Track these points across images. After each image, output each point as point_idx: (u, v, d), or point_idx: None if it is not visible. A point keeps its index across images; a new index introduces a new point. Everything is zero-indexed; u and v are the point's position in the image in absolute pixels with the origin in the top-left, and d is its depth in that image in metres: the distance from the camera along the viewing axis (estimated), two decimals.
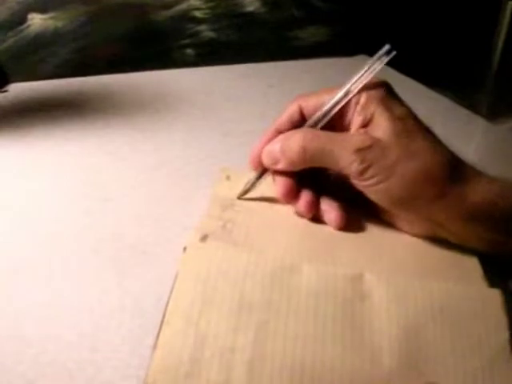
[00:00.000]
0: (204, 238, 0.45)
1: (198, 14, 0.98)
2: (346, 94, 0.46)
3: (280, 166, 0.48)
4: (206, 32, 0.99)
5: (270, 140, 0.49)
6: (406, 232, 0.48)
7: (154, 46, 0.97)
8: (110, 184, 0.58)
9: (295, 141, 0.46)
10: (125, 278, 0.45)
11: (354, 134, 0.46)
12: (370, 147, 0.43)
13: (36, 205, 0.54)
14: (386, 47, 0.47)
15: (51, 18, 0.89)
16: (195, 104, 0.81)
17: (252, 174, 0.52)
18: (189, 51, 0.99)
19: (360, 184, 0.45)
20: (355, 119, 0.46)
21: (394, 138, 0.43)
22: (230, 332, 0.37)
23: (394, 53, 0.46)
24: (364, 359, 0.36)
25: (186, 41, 0.98)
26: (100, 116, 0.75)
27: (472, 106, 0.82)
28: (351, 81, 0.47)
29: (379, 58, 0.47)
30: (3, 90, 0.80)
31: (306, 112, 0.48)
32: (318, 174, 0.49)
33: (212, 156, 0.65)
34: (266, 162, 0.49)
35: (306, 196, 0.48)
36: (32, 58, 0.90)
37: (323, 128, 0.48)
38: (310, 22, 1.05)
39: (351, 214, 0.49)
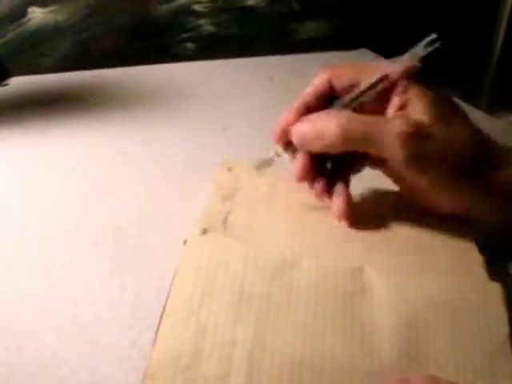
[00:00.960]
0: (204, 231, 0.45)
1: (198, 7, 0.97)
2: (384, 77, 0.45)
3: (314, 148, 0.45)
4: (207, 26, 0.99)
5: (297, 115, 0.47)
6: (435, 210, 0.47)
7: (155, 40, 0.97)
8: (110, 177, 0.59)
9: (335, 123, 0.43)
10: (125, 270, 0.45)
11: (396, 117, 0.44)
12: (415, 132, 0.42)
13: (36, 198, 0.55)
14: (432, 36, 0.45)
15: (51, 11, 0.89)
16: (195, 97, 0.81)
17: (252, 167, 0.51)
18: (189, 45, 0.99)
19: (405, 170, 0.43)
20: (393, 101, 0.45)
21: (434, 121, 0.43)
22: (230, 325, 0.37)
23: (439, 43, 0.45)
24: (364, 352, 0.36)
25: (187, 34, 0.98)
26: (100, 109, 0.75)
27: (472, 99, 0.82)
28: (391, 64, 0.45)
29: (424, 46, 0.45)
30: (3, 83, 0.80)
31: (337, 87, 0.47)
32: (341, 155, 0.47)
33: (212, 149, 0.65)
34: (297, 141, 0.46)
35: (321, 181, 0.47)
36: (32, 52, 0.90)
37: (354, 110, 0.46)
38: (311, 15, 1.05)
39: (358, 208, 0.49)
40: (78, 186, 0.57)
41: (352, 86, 0.46)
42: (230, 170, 0.55)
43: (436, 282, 0.41)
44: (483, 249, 0.46)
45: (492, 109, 0.81)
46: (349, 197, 0.48)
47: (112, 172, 0.60)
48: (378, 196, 0.50)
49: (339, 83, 0.47)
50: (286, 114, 0.48)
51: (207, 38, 1.00)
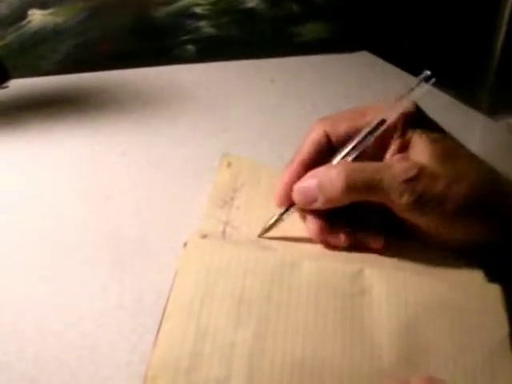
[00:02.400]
0: (205, 233, 0.45)
1: (198, 9, 0.97)
2: (381, 122, 0.44)
3: (317, 205, 0.44)
4: (207, 28, 0.99)
5: (297, 174, 0.45)
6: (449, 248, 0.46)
7: (155, 42, 0.97)
8: (110, 181, 0.58)
9: (337, 176, 0.42)
10: (125, 275, 0.45)
11: (397, 162, 0.43)
12: (418, 176, 0.41)
13: (36, 201, 0.54)
14: (425, 73, 0.45)
15: (51, 13, 0.89)
16: (196, 100, 0.81)
17: (251, 163, 0.51)
18: (189, 47, 0.99)
19: (409, 214, 0.42)
20: (392, 145, 0.44)
21: (437, 161, 0.42)
22: (231, 327, 0.37)
23: (433, 80, 0.44)
24: (364, 354, 0.36)
25: (187, 37, 0.98)
26: (100, 112, 0.75)
27: (472, 102, 0.82)
28: (386, 106, 0.44)
29: (417, 85, 0.45)
30: (3, 85, 0.80)
31: (334, 139, 0.45)
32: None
33: (213, 152, 0.65)
34: (300, 200, 0.45)
35: (343, 234, 0.45)
36: (32, 54, 0.90)
37: (355, 158, 0.45)
38: (311, 17, 1.05)
39: None
40: (77, 190, 0.57)
41: (349, 136, 0.45)
42: (229, 165, 0.55)
43: (435, 283, 0.41)
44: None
45: (493, 111, 0.81)
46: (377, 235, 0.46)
47: (112, 175, 0.60)
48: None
49: (336, 135, 0.45)
50: (286, 175, 0.46)
51: (207, 40, 1.00)
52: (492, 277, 0.43)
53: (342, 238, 0.45)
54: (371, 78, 0.91)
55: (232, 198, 0.51)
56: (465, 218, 0.42)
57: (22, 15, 0.88)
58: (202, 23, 0.98)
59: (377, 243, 0.45)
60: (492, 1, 0.95)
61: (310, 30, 1.05)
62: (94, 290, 0.43)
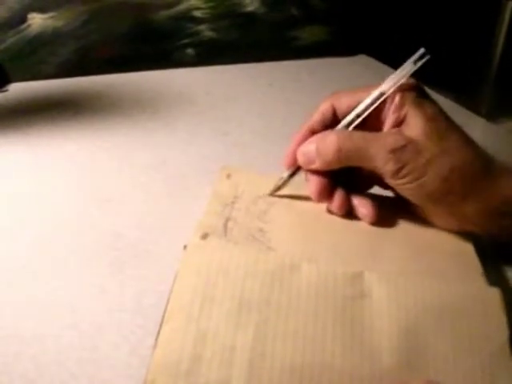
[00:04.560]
0: (205, 236, 0.45)
1: (198, 13, 0.98)
2: (380, 95, 0.47)
3: (315, 166, 0.48)
4: (206, 32, 0.99)
5: (303, 139, 0.49)
6: (436, 225, 0.49)
7: (154, 46, 0.97)
8: (110, 184, 0.59)
9: (330, 141, 0.47)
10: (125, 277, 0.45)
11: (388, 134, 0.46)
12: (404, 147, 0.44)
13: (36, 204, 0.54)
14: (421, 51, 0.47)
15: (51, 17, 0.89)
16: (195, 103, 0.81)
17: (251, 174, 0.52)
18: (189, 51, 0.99)
19: (394, 182, 0.46)
20: (388, 119, 0.47)
21: (427, 137, 0.44)
22: (230, 330, 0.37)
23: (427, 57, 0.47)
24: (363, 357, 0.36)
25: (186, 40, 0.98)
26: (100, 116, 0.75)
27: (472, 106, 0.82)
28: (385, 82, 0.47)
29: (414, 62, 0.47)
30: (3, 89, 0.80)
31: (339, 111, 0.49)
32: (350, 171, 0.49)
33: (212, 155, 0.65)
34: (302, 161, 0.49)
35: (339, 195, 0.49)
36: (32, 58, 0.90)
37: (356, 127, 0.48)
38: (310, 21, 1.05)
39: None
40: (78, 192, 0.57)
41: (352, 109, 0.48)
42: (228, 176, 0.55)
43: (436, 287, 0.41)
44: (481, 254, 0.46)
45: (492, 115, 0.81)
46: (372, 205, 0.49)
47: (112, 179, 0.60)
48: (377, 202, 0.50)
49: (340, 107, 0.49)
50: (293, 141, 0.50)
51: (207, 43, 1.00)
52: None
53: (336, 202, 0.49)
54: (370, 81, 0.91)
55: (233, 202, 0.51)
56: (445, 195, 0.45)
57: (22, 19, 0.88)
58: (202, 27, 0.98)
59: (368, 212, 0.49)
60: (492, 5, 0.95)
61: (309, 34, 1.06)
62: (93, 291, 0.43)
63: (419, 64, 0.47)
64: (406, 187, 0.45)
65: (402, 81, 0.47)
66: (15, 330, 0.40)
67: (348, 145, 0.46)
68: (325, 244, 0.46)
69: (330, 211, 0.50)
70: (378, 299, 0.40)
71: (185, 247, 0.43)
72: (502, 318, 0.39)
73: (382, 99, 0.47)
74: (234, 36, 1.01)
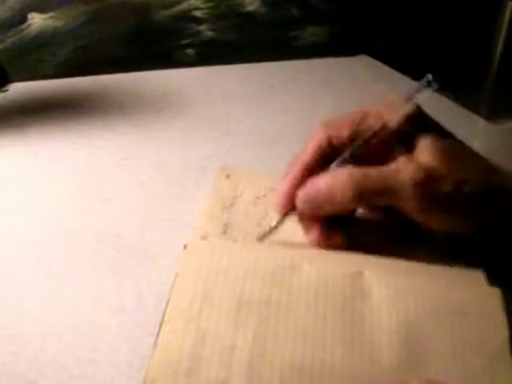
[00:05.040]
0: (205, 235, 0.45)
1: (198, 13, 0.98)
2: (383, 127, 0.44)
3: (323, 212, 0.44)
4: (206, 32, 0.99)
5: (299, 180, 0.45)
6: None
7: (154, 46, 0.97)
8: (110, 184, 0.59)
9: (346, 183, 0.42)
10: (125, 277, 0.45)
11: (404, 165, 0.43)
12: (425, 179, 0.41)
13: (35, 204, 0.54)
14: (428, 77, 0.45)
15: (51, 17, 0.89)
16: (195, 104, 0.81)
17: (251, 174, 0.51)
18: (189, 51, 0.99)
19: (420, 216, 0.43)
20: (396, 148, 0.44)
21: (442, 162, 0.42)
22: (230, 330, 0.37)
23: (435, 85, 0.45)
24: (364, 357, 0.36)
25: (186, 40, 0.98)
26: (100, 116, 0.75)
27: (472, 106, 0.82)
28: (388, 111, 0.45)
29: (419, 89, 0.45)
30: (3, 89, 0.80)
31: (337, 143, 0.45)
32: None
33: (212, 155, 0.65)
34: (304, 208, 0.44)
35: (335, 237, 0.45)
36: (32, 58, 0.90)
37: (357, 160, 0.44)
38: (310, 21, 1.05)
39: None
40: (77, 192, 0.57)
41: (352, 140, 0.45)
42: (228, 177, 0.55)
43: (435, 286, 0.41)
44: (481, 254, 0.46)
45: (492, 115, 0.81)
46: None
47: (112, 178, 0.60)
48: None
49: (338, 139, 0.45)
50: (288, 181, 0.45)
51: (207, 44, 1.00)
52: (493, 276, 0.43)
53: (339, 242, 0.45)
54: (371, 81, 0.91)
55: (232, 204, 0.51)
56: (468, 214, 0.43)
57: (22, 19, 0.88)
58: (202, 27, 0.98)
59: (374, 242, 0.46)
60: (492, 5, 0.95)
61: (310, 34, 1.06)
62: (93, 291, 0.43)
63: (427, 91, 0.45)
64: (432, 219, 0.43)
65: (407, 110, 0.44)
66: (15, 330, 0.40)
67: (367, 185, 0.42)
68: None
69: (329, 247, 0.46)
70: (378, 299, 0.40)
71: (185, 247, 0.43)
72: (502, 318, 0.39)
73: (387, 129, 0.44)
74: (234, 36, 1.01)
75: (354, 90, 0.87)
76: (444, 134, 0.45)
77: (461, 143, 0.45)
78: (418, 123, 0.45)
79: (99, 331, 0.40)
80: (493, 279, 0.42)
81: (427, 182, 0.42)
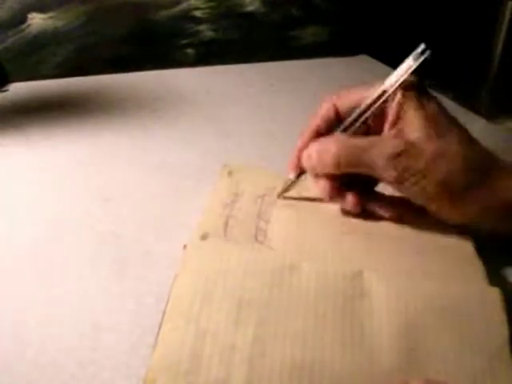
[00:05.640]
0: (204, 236, 0.45)
1: (198, 13, 0.98)
2: (381, 94, 0.47)
3: (318, 171, 0.48)
4: (206, 32, 0.99)
5: (307, 142, 0.49)
6: (445, 221, 0.48)
7: (154, 46, 0.97)
8: (110, 184, 0.58)
9: (329, 150, 0.47)
10: (125, 277, 0.45)
11: (386, 139, 0.46)
12: (403, 152, 0.44)
13: (36, 205, 0.54)
14: (421, 47, 0.47)
15: (51, 17, 0.89)
16: (195, 104, 0.81)
17: (252, 171, 0.51)
18: (189, 51, 0.99)
19: (395, 187, 0.46)
20: (389, 118, 0.47)
21: (426, 138, 0.44)
22: (230, 329, 0.37)
23: (428, 52, 0.46)
24: (363, 357, 0.36)
25: (186, 40, 0.98)
26: (100, 116, 0.75)
27: (472, 106, 0.82)
28: (387, 80, 0.47)
29: (415, 58, 0.47)
30: (3, 89, 0.80)
31: (341, 111, 0.49)
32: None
33: (212, 155, 0.65)
34: (305, 167, 0.49)
35: (351, 194, 0.49)
36: (32, 58, 0.90)
37: (360, 127, 0.48)
38: (311, 21, 1.05)
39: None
40: (77, 192, 0.57)
41: (355, 107, 0.48)
42: (230, 174, 0.55)
43: (435, 286, 0.41)
44: (481, 253, 0.46)
45: (492, 115, 0.81)
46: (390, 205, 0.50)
47: (112, 179, 0.60)
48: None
49: (342, 108, 0.49)
50: (298, 143, 0.50)
51: (207, 44, 1.00)
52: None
53: (349, 200, 0.49)
54: (371, 81, 0.91)
55: (233, 202, 0.51)
56: (446, 195, 0.45)
57: (22, 19, 0.88)
58: (202, 27, 0.98)
59: (384, 211, 0.49)
60: (492, 5, 0.95)
61: (310, 34, 1.06)
62: (93, 291, 0.43)
63: (420, 60, 0.46)
64: (407, 191, 0.46)
65: (403, 78, 0.46)
66: (15, 330, 0.40)
67: (346, 153, 0.46)
68: (324, 244, 0.46)
69: (344, 211, 0.50)
70: (378, 299, 0.40)
71: (184, 247, 0.43)
72: (502, 318, 0.39)
73: (383, 98, 0.47)
74: (235, 36, 1.01)
75: None
76: (437, 108, 0.46)
77: (452, 121, 0.46)
78: (414, 94, 0.46)
79: (99, 331, 0.40)
80: None
81: (403, 156, 0.44)
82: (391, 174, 0.44)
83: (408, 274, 0.43)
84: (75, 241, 0.49)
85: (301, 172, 0.51)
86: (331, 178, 0.48)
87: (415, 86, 0.46)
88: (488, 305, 0.40)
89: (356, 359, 0.36)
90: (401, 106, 0.46)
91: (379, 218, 0.49)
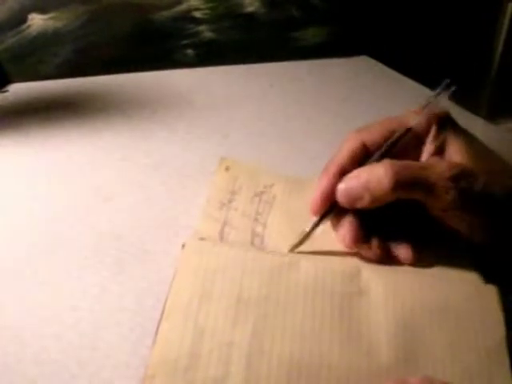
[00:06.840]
0: (202, 239, 0.45)
1: (198, 14, 0.98)
2: (408, 130, 0.46)
3: (363, 203, 0.44)
4: (206, 32, 0.99)
5: (333, 179, 0.45)
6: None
7: (154, 46, 0.97)
8: (109, 184, 0.58)
9: (384, 174, 0.43)
10: (125, 277, 0.45)
11: (442, 162, 0.45)
12: (461, 174, 0.43)
13: (36, 205, 0.54)
14: (446, 81, 0.47)
15: (51, 18, 0.89)
16: (195, 104, 0.81)
17: (250, 167, 0.51)
18: (189, 51, 0.99)
19: (452, 211, 0.43)
20: (427, 148, 0.46)
21: (474, 161, 0.44)
22: (229, 327, 0.37)
23: (453, 88, 0.46)
24: (361, 354, 0.36)
25: (186, 41, 0.99)
26: (100, 116, 0.75)
27: (472, 106, 0.82)
28: (412, 117, 0.46)
29: (439, 93, 0.47)
30: (3, 90, 0.80)
31: (371, 146, 0.46)
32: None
33: (212, 155, 0.65)
34: (346, 201, 0.45)
35: (376, 240, 0.45)
36: (32, 59, 0.90)
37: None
38: (310, 22, 1.05)
39: None
40: (76, 193, 0.57)
41: (385, 140, 0.46)
42: (227, 169, 0.55)
43: (432, 284, 0.41)
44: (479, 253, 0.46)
45: (492, 115, 0.81)
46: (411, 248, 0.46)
47: (112, 179, 0.60)
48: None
49: (372, 141, 0.46)
50: (323, 182, 0.46)
51: (207, 44, 1.00)
52: (489, 278, 0.43)
53: (374, 249, 0.45)
54: (371, 82, 0.91)
55: (230, 201, 0.51)
56: (491, 218, 0.44)
57: (22, 19, 0.88)
58: (202, 27, 0.98)
59: (408, 256, 0.45)
60: (492, 6, 0.95)
61: (310, 35, 1.06)
62: (93, 291, 0.43)
63: (446, 95, 0.46)
64: (464, 216, 0.44)
65: (430, 111, 0.46)
66: (15, 330, 0.40)
67: (405, 174, 0.43)
68: (321, 246, 0.46)
69: (363, 258, 0.45)
70: (376, 296, 0.40)
71: (183, 246, 0.43)
72: (499, 315, 0.39)
73: (411, 133, 0.46)
74: (234, 37, 1.01)
75: (354, 91, 0.87)
76: (471, 137, 0.46)
77: (485, 145, 0.46)
78: (447, 124, 0.46)
79: (99, 331, 0.40)
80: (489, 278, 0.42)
81: (462, 178, 0.43)
82: (453, 195, 0.42)
83: (405, 272, 0.43)
84: (75, 240, 0.49)
85: (321, 218, 0.46)
86: (358, 220, 0.45)
87: (446, 116, 0.46)
88: (485, 302, 0.40)
89: (354, 356, 0.36)
90: (438, 135, 0.45)
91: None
